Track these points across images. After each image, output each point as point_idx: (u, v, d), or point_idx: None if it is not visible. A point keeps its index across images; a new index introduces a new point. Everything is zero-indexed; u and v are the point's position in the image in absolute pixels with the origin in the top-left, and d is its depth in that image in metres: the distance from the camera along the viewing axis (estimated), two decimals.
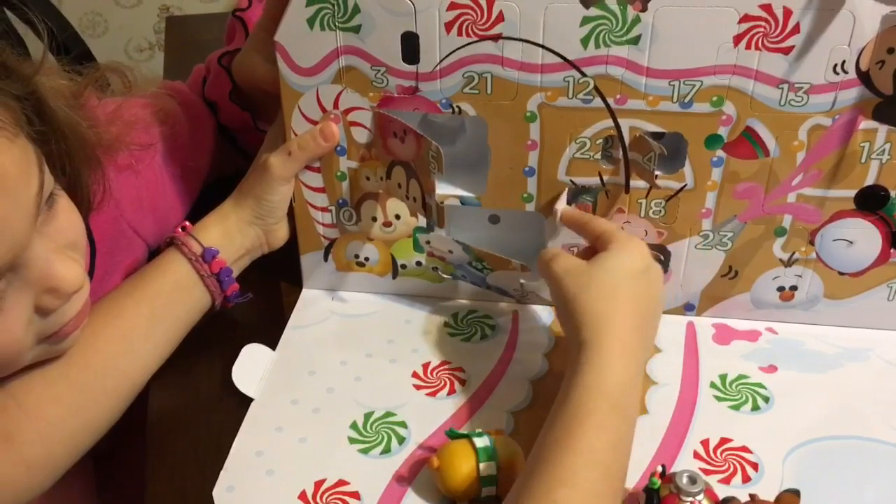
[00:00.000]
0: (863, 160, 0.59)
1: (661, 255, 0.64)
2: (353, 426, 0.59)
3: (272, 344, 0.66)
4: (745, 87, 0.57)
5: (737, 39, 0.55)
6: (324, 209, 0.68)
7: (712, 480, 0.54)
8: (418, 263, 0.70)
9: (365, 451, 0.57)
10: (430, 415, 0.60)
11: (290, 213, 0.68)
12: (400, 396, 0.62)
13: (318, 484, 0.55)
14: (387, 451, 0.57)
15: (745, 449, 0.57)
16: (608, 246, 0.57)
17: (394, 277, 0.71)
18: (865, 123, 0.57)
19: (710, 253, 0.64)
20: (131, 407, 0.59)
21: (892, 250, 0.62)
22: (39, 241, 0.48)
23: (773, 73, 0.56)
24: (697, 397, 0.61)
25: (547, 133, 0.60)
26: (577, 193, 0.63)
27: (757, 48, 0.55)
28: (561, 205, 0.62)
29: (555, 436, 0.49)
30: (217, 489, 0.54)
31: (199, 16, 1.39)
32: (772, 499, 0.49)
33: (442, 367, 0.64)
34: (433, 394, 0.62)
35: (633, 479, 0.54)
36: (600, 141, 0.60)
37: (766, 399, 0.61)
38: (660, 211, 0.63)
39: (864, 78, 0.56)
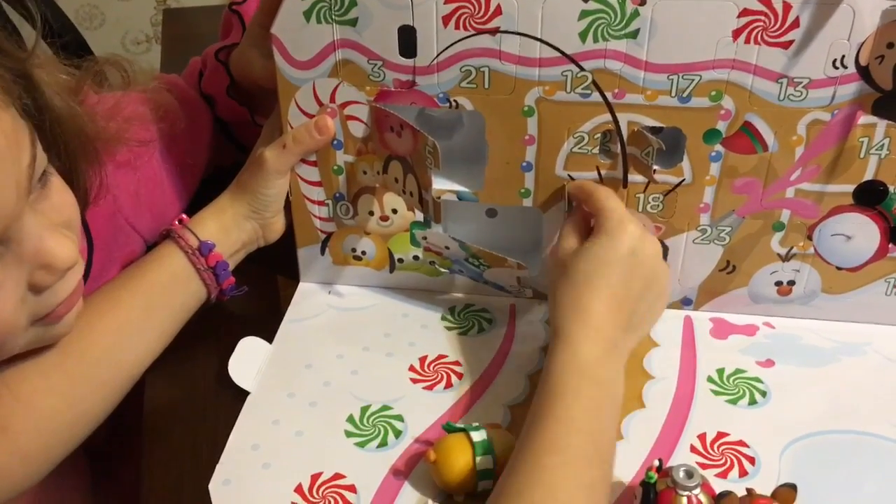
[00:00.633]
0: (861, 155, 0.59)
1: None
2: (350, 420, 0.59)
3: (269, 337, 0.66)
4: (743, 82, 0.57)
5: (736, 34, 0.55)
6: (320, 203, 0.68)
7: (709, 475, 0.54)
8: (415, 258, 0.70)
9: (361, 445, 0.57)
10: (426, 408, 0.60)
11: (287, 207, 0.68)
12: (397, 390, 0.62)
13: (315, 477, 0.55)
14: (383, 444, 0.57)
15: (741, 443, 0.57)
16: (597, 231, 0.57)
17: (391, 271, 0.71)
18: (864, 118, 0.57)
19: (708, 247, 0.64)
20: (126, 399, 0.59)
21: (890, 245, 0.62)
22: (33, 217, 0.48)
23: (772, 68, 0.56)
24: (694, 391, 0.61)
25: (545, 127, 0.60)
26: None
27: (756, 42, 0.55)
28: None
29: (535, 411, 0.51)
30: (213, 482, 0.54)
31: (196, 8, 1.38)
32: (768, 493, 0.49)
33: (439, 361, 0.64)
34: (430, 387, 0.62)
35: (630, 473, 0.54)
36: (598, 135, 0.60)
37: (764, 393, 0.61)
38: (658, 205, 0.63)
39: (864, 73, 0.55)
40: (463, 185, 0.64)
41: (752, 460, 0.56)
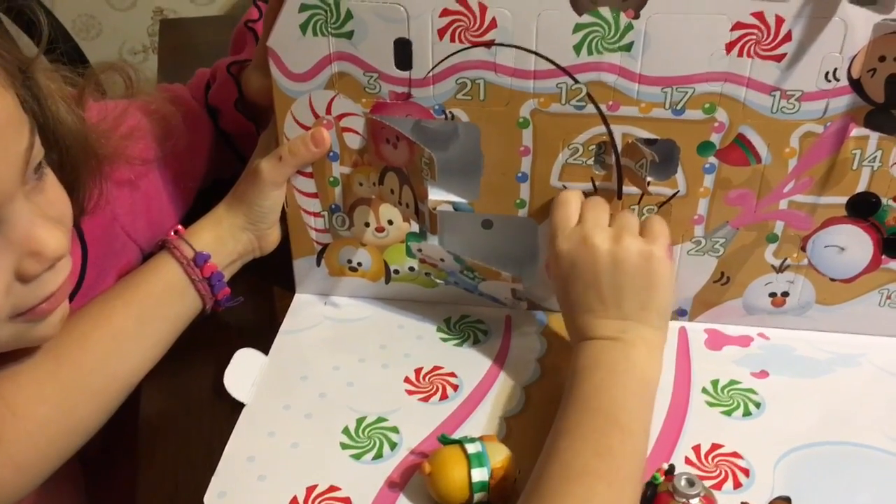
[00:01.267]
0: (854, 167, 0.59)
1: None
2: (346, 431, 0.59)
3: (264, 348, 0.66)
4: (737, 95, 0.57)
5: (729, 47, 0.55)
6: (316, 214, 0.68)
7: None
8: (411, 269, 0.70)
9: (357, 457, 0.57)
10: (422, 420, 0.60)
11: (283, 217, 0.68)
12: (392, 402, 0.62)
13: (310, 490, 0.55)
14: (379, 456, 0.57)
15: (736, 455, 0.57)
16: None
17: (386, 282, 0.71)
18: (857, 131, 0.57)
19: (702, 259, 0.64)
20: (120, 410, 0.59)
21: (882, 256, 0.63)
22: (26, 204, 0.48)
23: (765, 81, 0.56)
24: (689, 403, 0.61)
25: (540, 139, 0.61)
26: None
27: (749, 55, 0.55)
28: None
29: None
30: (208, 494, 0.54)
31: (193, 19, 1.39)
32: None
33: (434, 373, 0.64)
34: (425, 399, 0.62)
35: None
36: (593, 147, 0.60)
37: (758, 405, 0.61)
38: None
39: (856, 85, 0.56)
40: (459, 196, 0.64)
41: (746, 472, 0.56)
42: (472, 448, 0.53)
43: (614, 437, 0.51)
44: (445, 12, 0.56)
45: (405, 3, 0.56)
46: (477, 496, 0.52)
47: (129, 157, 0.63)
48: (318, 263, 0.70)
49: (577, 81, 0.58)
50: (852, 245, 0.62)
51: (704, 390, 0.62)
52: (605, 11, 0.55)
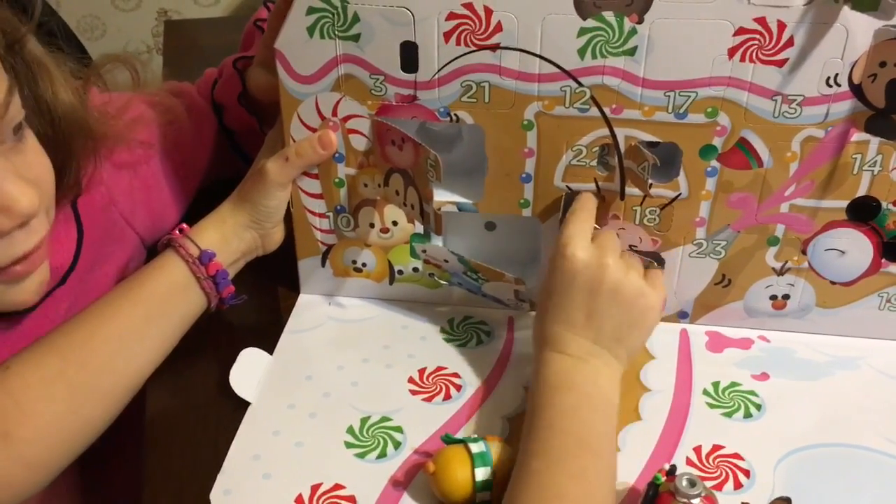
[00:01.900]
0: (854, 171, 0.60)
1: (656, 262, 0.65)
2: (350, 430, 0.60)
3: (269, 348, 0.67)
4: (739, 99, 0.57)
5: (731, 52, 0.56)
6: (321, 215, 0.68)
7: None
8: (415, 269, 0.70)
9: (361, 456, 0.58)
10: (425, 420, 0.60)
11: (287, 218, 0.68)
12: (396, 401, 0.62)
13: (315, 488, 0.55)
14: (383, 455, 0.58)
15: (737, 456, 0.57)
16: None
17: (390, 283, 0.71)
18: (857, 135, 0.58)
19: (703, 261, 0.65)
20: (126, 409, 0.60)
21: (882, 260, 0.63)
22: (1, 162, 0.49)
23: (766, 86, 0.57)
24: (690, 404, 0.62)
25: (544, 141, 0.61)
26: (572, 199, 0.63)
27: (751, 60, 0.56)
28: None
29: (525, 423, 0.55)
30: (214, 492, 0.55)
31: (197, 20, 1.39)
32: None
33: (438, 373, 0.65)
34: (429, 399, 0.62)
35: (627, 484, 0.55)
36: (596, 149, 0.61)
37: (759, 406, 0.61)
38: (654, 219, 0.63)
39: (857, 91, 0.56)
40: (463, 197, 0.65)
41: (746, 473, 0.56)
42: (475, 447, 0.53)
43: (587, 460, 0.51)
44: (451, 16, 0.57)
45: (412, 7, 0.57)
46: (480, 495, 0.53)
47: (130, 140, 0.64)
48: (323, 264, 0.71)
49: (581, 85, 0.58)
50: (852, 249, 0.63)
51: (705, 392, 0.63)
52: (609, 16, 0.55)
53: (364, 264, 0.71)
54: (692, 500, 0.49)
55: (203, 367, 0.66)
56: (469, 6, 0.56)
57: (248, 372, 0.64)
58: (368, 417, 0.61)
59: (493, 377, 0.64)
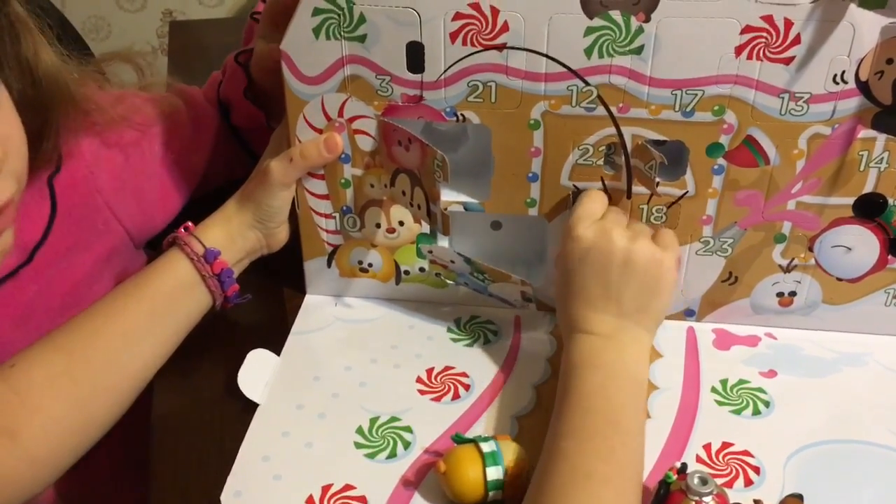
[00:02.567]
0: (861, 168, 0.60)
1: None
2: (359, 431, 0.60)
3: (276, 349, 0.67)
4: (746, 97, 0.57)
5: (738, 50, 0.56)
6: (328, 216, 0.68)
7: None
8: (421, 269, 0.70)
9: (371, 456, 0.58)
10: (435, 420, 0.60)
11: (292, 217, 0.68)
12: (405, 401, 0.62)
13: (326, 489, 0.55)
14: (392, 455, 0.58)
15: (746, 453, 0.58)
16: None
17: (397, 283, 0.71)
18: (864, 132, 0.58)
19: (710, 259, 0.65)
20: (132, 409, 0.60)
21: (889, 256, 0.63)
22: None
23: (773, 83, 0.57)
24: (699, 402, 0.62)
25: (550, 140, 0.61)
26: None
27: (758, 58, 0.56)
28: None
29: (555, 406, 0.56)
30: (225, 494, 0.55)
31: (202, 20, 1.39)
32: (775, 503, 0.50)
33: (446, 373, 0.65)
34: (438, 399, 0.62)
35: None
36: (603, 148, 0.61)
37: (767, 404, 0.62)
38: (661, 217, 0.63)
39: (864, 88, 0.56)
40: (470, 197, 0.65)
41: (756, 470, 0.56)
42: (486, 447, 0.53)
43: (616, 439, 0.52)
44: (458, 16, 0.57)
45: (418, 7, 0.57)
46: (492, 494, 0.53)
47: (124, 122, 0.63)
48: (329, 264, 0.71)
49: (587, 84, 0.58)
50: (859, 245, 0.63)
51: (714, 389, 0.63)
52: (615, 15, 0.55)
53: (370, 265, 0.71)
54: (704, 498, 0.49)
55: (209, 369, 0.66)
56: (475, 6, 0.56)
57: (256, 373, 0.64)
58: (377, 418, 0.61)
59: (502, 376, 0.64)
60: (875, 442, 0.58)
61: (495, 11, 0.56)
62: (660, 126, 0.59)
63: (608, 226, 0.59)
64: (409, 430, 0.60)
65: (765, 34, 0.55)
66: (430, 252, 0.68)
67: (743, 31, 0.55)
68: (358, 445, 0.59)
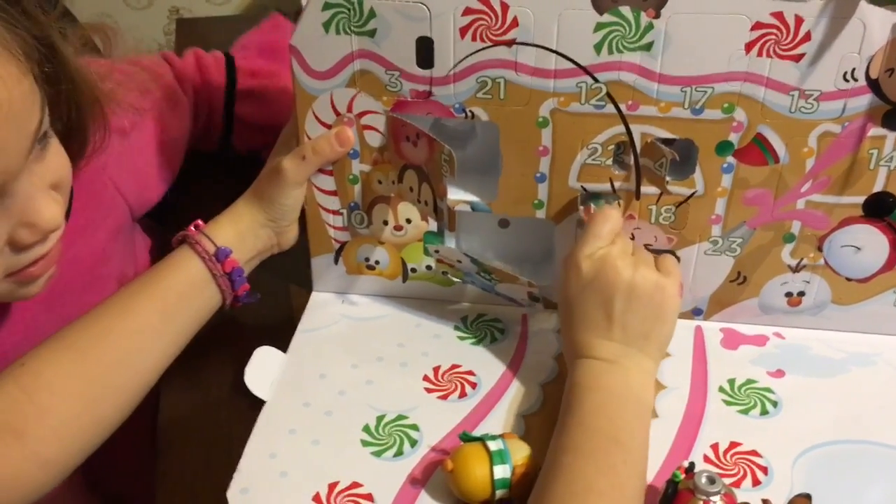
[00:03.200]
0: (871, 167, 0.59)
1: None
2: (366, 429, 0.59)
3: (282, 346, 0.67)
4: (756, 94, 0.57)
5: (748, 47, 0.56)
6: (335, 212, 0.68)
7: None
8: (428, 267, 0.70)
9: (378, 454, 0.57)
10: (441, 418, 0.60)
11: (300, 215, 0.68)
12: (411, 399, 0.62)
13: (332, 486, 0.55)
14: (399, 453, 0.57)
15: (754, 453, 0.57)
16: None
17: (404, 281, 0.71)
18: (874, 130, 0.58)
19: (719, 258, 0.65)
20: (140, 407, 0.59)
21: None
22: (27, 177, 0.50)
23: (783, 81, 0.57)
24: (706, 402, 0.61)
25: (559, 139, 0.61)
26: (587, 200, 0.63)
27: (768, 55, 0.56)
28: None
29: (557, 423, 0.56)
30: (231, 491, 0.55)
31: (209, 18, 1.40)
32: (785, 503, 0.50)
33: (452, 371, 0.65)
34: (444, 397, 0.62)
35: (648, 478, 0.55)
36: (612, 147, 0.61)
37: (775, 403, 0.61)
38: (670, 217, 0.63)
39: (874, 86, 0.56)
40: (477, 196, 0.65)
41: (764, 470, 0.56)
42: (494, 445, 0.53)
43: (616, 456, 0.52)
44: (468, 11, 0.57)
45: (428, 2, 0.57)
46: (499, 493, 0.53)
47: (122, 102, 0.64)
48: (336, 261, 0.71)
49: (597, 81, 0.58)
50: (868, 245, 0.63)
51: (721, 389, 0.62)
52: (625, 11, 0.55)
53: (377, 262, 0.70)
54: (712, 498, 0.49)
55: (216, 366, 0.66)
56: (485, 1, 0.56)
57: (263, 370, 0.64)
58: (384, 415, 0.60)
59: (508, 375, 0.64)
60: (883, 442, 0.58)
61: (505, 7, 0.56)
62: (669, 124, 0.59)
63: (615, 254, 0.59)
64: (415, 427, 0.59)
65: (775, 31, 0.55)
66: (437, 252, 0.67)
67: (753, 28, 0.55)
68: (364, 443, 0.58)
